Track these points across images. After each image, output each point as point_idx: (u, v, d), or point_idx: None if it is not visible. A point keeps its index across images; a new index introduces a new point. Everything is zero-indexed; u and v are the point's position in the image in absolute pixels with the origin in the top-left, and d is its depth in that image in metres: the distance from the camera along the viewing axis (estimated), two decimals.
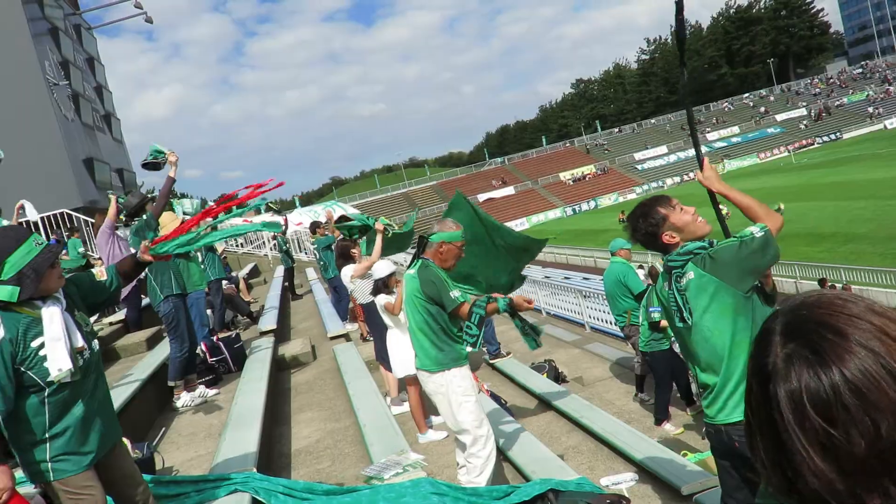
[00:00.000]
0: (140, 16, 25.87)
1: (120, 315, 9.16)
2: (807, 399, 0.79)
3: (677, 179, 68.12)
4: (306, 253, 21.16)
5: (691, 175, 68.07)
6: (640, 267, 10.49)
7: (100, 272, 3.20)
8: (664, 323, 6.86)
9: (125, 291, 7.94)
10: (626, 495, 3.80)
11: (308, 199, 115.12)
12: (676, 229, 2.76)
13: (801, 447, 0.78)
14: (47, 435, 2.75)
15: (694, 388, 7.21)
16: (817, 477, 0.78)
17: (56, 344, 2.72)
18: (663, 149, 75.84)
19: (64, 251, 8.47)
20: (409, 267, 4.30)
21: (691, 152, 72.84)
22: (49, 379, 2.70)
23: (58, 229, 12.81)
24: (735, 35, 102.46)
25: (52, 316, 2.76)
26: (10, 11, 19.21)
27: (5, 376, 2.62)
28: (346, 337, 9.20)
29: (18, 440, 2.75)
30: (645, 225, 2.81)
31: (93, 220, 11.74)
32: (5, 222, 8.69)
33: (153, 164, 6.14)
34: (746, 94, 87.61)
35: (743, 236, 2.63)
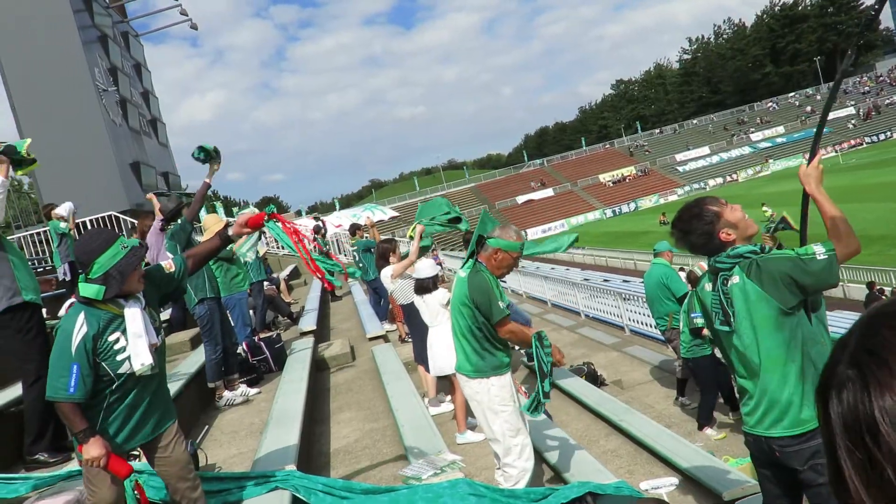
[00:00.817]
0: (185, 22, 26.45)
1: (165, 315, 9.36)
2: (852, 423, 0.72)
3: (720, 181, 66.94)
4: (345, 255, 21.35)
5: (734, 176, 66.90)
6: (681, 270, 10.34)
7: (168, 265, 3.36)
8: (707, 332, 6.76)
9: None
10: (666, 500, 3.76)
11: (347, 202, 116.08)
12: (731, 226, 2.67)
13: (847, 472, 0.73)
14: (105, 420, 2.99)
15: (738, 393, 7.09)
16: None
17: (138, 341, 2.95)
18: (705, 149, 74.62)
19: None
20: (461, 267, 4.24)
21: (734, 153, 72.02)
22: (121, 371, 2.93)
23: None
24: (780, 33, 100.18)
25: (134, 315, 2.98)
26: (62, 20, 19.81)
27: (88, 368, 2.85)
28: (385, 338, 9.26)
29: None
30: (700, 224, 2.69)
31: (134, 221, 12.05)
32: (62, 225, 9.02)
33: (207, 155, 6.10)
34: (792, 94, 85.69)
35: (802, 253, 2.51)
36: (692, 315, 6.64)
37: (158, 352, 3.13)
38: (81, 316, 2.90)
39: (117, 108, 22.10)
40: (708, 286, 2.78)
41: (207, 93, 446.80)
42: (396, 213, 63.40)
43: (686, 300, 6.91)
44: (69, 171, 17.69)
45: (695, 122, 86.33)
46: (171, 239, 6.37)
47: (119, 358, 2.93)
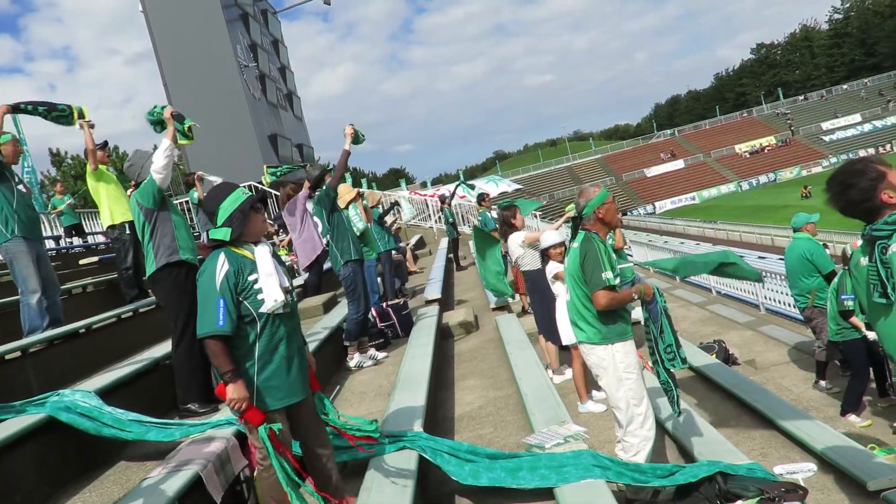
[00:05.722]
0: None
1: (300, 280, 9.86)
2: None
3: (871, 151, 61.69)
4: (468, 225, 21.54)
5: (888, 147, 61.44)
6: (826, 246, 9.62)
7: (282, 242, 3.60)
8: (855, 320, 6.33)
9: (309, 259, 8.53)
10: (804, 486, 3.57)
11: (472, 174, 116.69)
12: (895, 189, 2.51)
13: None
14: (257, 365, 3.14)
15: (889, 379, 6.61)
16: None
17: (269, 279, 3.15)
18: (857, 117, 68.99)
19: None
20: (571, 240, 4.25)
21: (890, 120, 66.19)
22: (261, 310, 3.12)
23: None
24: None
25: (264, 255, 3.21)
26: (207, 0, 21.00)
27: (231, 300, 3.07)
28: (508, 308, 9.31)
29: (237, 366, 3.10)
30: (863, 180, 2.54)
31: (276, 193, 12.70)
32: (196, 194, 9.70)
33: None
34: None
35: None
36: (842, 297, 6.22)
37: (294, 303, 3.34)
38: (221, 256, 3.12)
39: (257, 83, 23.26)
40: (863, 260, 2.59)
41: (338, 66, 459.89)
42: (520, 186, 63.04)
43: (836, 279, 6.47)
44: (213, 144, 18.90)
45: (845, 87, 79.84)
46: (318, 204, 6.76)
47: (259, 297, 3.13)
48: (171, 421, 4.34)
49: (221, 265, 3.09)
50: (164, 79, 21.13)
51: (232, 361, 3.05)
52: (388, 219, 12.37)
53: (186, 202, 16.66)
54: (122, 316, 6.46)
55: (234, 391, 3.01)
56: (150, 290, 6.89)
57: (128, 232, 6.90)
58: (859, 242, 2.71)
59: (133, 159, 5.30)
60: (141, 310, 6.80)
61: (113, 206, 6.89)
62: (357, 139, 6.65)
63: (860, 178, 2.55)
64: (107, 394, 4.35)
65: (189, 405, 4.86)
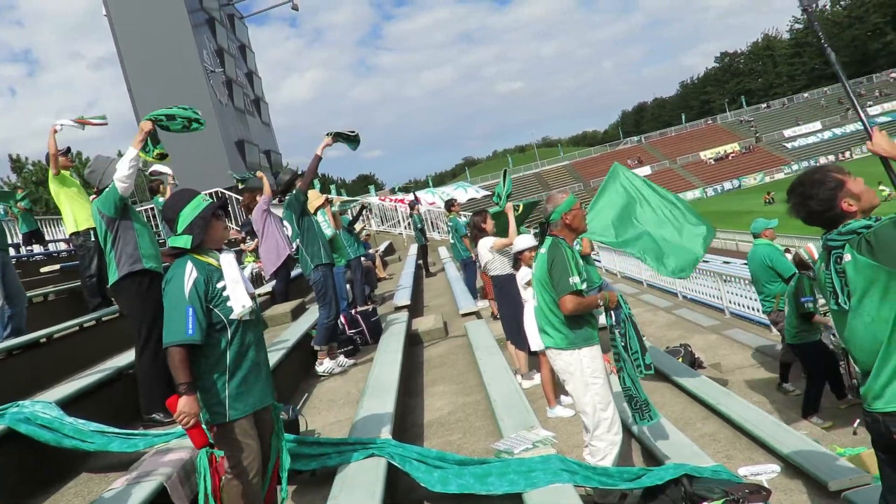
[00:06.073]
0: (287, 3, 27.16)
1: (268, 287, 9.77)
2: None
3: (832, 158, 63.11)
4: (438, 231, 21.57)
5: (848, 154, 62.92)
6: (787, 251, 9.79)
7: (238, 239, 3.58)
8: (818, 318, 6.46)
9: (275, 264, 8.47)
10: (767, 487, 3.64)
11: (441, 180, 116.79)
12: (854, 196, 2.56)
13: None
14: (227, 373, 3.10)
15: (846, 381, 6.75)
16: None
17: (237, 285, 3.14)
18: (817, 125, 70.53)
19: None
20: (539, 246, 4.31)
21: (849, 128, 67.76)
22: (231, 317, 3.10)
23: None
24: None
25: (230, 262, 3.20)
26: (173, 4, 20.77)
27: (201, 308, 3.02)
28: (478, 314, 9.33)
29: (204, 378, 3.08)
30: (823, 190, 2.58)
31: (239, 197, 12.61)
32: (161, 200, 9.58)
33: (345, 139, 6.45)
34: None
35: None
36: (802, 300, 6.35)
37: (258, 311, 3.32)
38: (189, 264, 3.08)
39: (224, 89, 23.05)
40: (823, 266, 2.66)
41: (307, 72, 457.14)
42: (488, 192, 63.22)
43: (793, 283, 6.60)
44: (179, 149, 18.59)
45: (806, 95, 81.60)
46: (288, 208, 6.72)
47: (229, 304, 3.10)
48: (135, 431, 4.28)
49: (190, 273, 3.04)
50: (129, 84, 20.82)
51: (191, 374, 3.00)
52: (357, 226, 12.34)
53: (151, 209, 16.46)
54: (85, 325, 6.35)
55: (185, 404, 2.96)
56: (113, 299, 6.78)
57: (92, 239, 6.78)
58: (811, 245, 2.79)
59: (94, 165, 5.20)
60: (104, 318, 6.68)
61: (77, 213, 6.77)
62: (349, 139, 6.52)
63: (820, 188, 2.59)
64: (68, 404, 4.27)
65: (153, 415, 4.79)
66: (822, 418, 6.42)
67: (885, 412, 2.50)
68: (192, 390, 2.98)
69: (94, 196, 5.87)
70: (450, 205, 12.44)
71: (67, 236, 7.92)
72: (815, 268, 2.80)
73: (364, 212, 17.58)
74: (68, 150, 6.81)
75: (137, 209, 5.78)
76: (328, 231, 8.06)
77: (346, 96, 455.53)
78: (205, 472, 3.03)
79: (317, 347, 6.76)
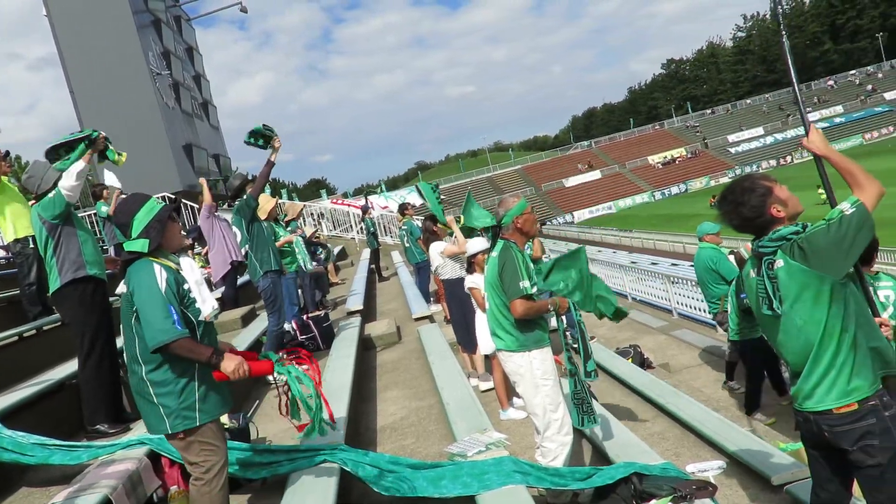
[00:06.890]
0: (235, 6, 26.76)
1: (217, 293, 9.59)
2: None
3: (773, 163, 65.20)
4: (391, 236, 21.51)
5: (789, 159, 65.04)
6: (732, 253, 10.06)
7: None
8: None
9: (223, 270, 8.33)
10: (714, 483, 3.73)
11: (394, 184, 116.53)
12: (782, 202, 2.63)
13: None
14: (196, 377, 3.05)
15: (787, 377, 6.96)
16: None
17: (201, 287, 3.12)
18: (759, 130, 72.78)
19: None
20: (491, 249, 4.33)
21: (790, 133, 69.93)
22: (200, 318, 3.07)
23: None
24: (840, 9, 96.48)
25: (191, 265, 3.18)
26: (116, 4, 20.25)
27: (178, 304, 2.98)
28: (431, 318, 9.34)
29: (174, 383, 3.01)
30: (752, 197, 2.65)
31: (194, 205, 12.37)
32: (104, 209, 9.31)
33: (262, 137, 6.38)
34: (853, 72, 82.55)
35: (830, 217, 2.47)
36: (741, 297, 6.53)
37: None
38: (155, 265, 3.00)
39: (170, 91, 22.56)
40: (753, 272, 2.74)
41: (256, 75, 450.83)
42: (442, 197, 63.27)
43: (734, 282, 6.79)
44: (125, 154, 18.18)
45: (748, 101, 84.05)
46: (237, 214, 6.60)
47: (197, 305, 3.07)
48: (78, 443, 4.15)
49: (160, 272, 2.98)
50: (70, 86, 20.20)
51: (206, 345, 3.03)
52: (308, 230, 12.23)
53: (92, 214, 16.00)
54: (25, 334, 6.14)
55: (228, 364, 2.99)
56: (54, 307, 6.57)
57: (31, 246, 6.54)
58: (750, 244, 2.86)
59: (32, 171, 5.03)
60: (45, 328, 6.47)
61: (16, 220, 6.53)
62: (260, 135, 6.44)
63: (750, 195, 2.66)
64: (7, 417, 4.12)
65: (97, 426, 4.65)
66: (765, 414, 6.60)
67: (816, 411, 2.59)
68: (220, 352, 3.02)
69: (32, 202, 5.69)
70: (403, 209, 12.42)
71: (6, 243, 7.64)
72: (743, 274, 2.87)
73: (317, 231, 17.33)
74: (7, 154, 6.57)
75: (80, 214, 5.62)
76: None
77: (296, 100, 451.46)
78: (292, 384, 3.20)
79: None
